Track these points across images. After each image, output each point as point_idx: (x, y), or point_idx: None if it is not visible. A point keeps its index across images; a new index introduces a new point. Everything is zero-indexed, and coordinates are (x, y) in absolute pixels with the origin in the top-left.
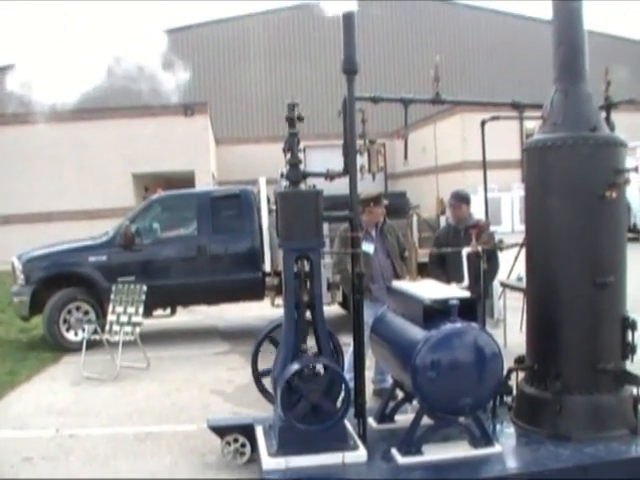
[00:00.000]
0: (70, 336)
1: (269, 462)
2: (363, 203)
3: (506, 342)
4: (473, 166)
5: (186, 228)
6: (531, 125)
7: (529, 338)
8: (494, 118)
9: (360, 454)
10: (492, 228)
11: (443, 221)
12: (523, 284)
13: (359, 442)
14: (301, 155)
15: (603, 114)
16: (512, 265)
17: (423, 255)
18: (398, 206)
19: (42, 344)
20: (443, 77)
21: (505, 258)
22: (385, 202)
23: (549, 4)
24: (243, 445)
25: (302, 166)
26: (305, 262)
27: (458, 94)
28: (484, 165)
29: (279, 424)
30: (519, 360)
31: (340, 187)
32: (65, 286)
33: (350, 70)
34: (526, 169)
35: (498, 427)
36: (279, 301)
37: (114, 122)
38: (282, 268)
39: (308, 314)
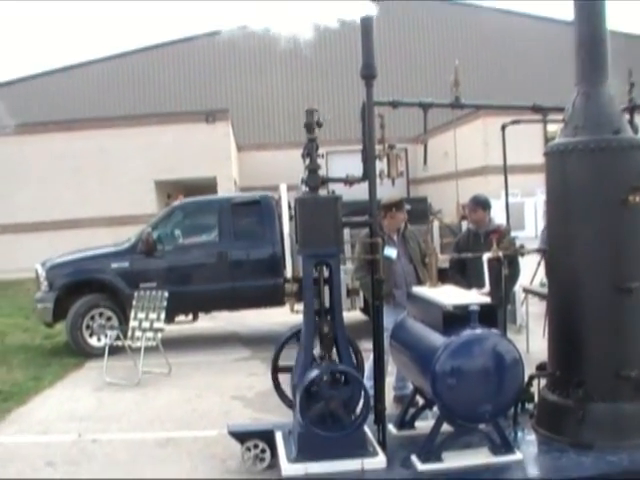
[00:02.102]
0: (93, 342)
1: (288, 468)
2: (385, 208)
3: (528, 348)
4: (495, 171)
5: (207, 234)
6: (554, 129)
7: (551, 344)
8: (514, 122)
9: (380, 460)
10: (515, 233)
11: (465, 226)
12: (546, 290)
13: (379, 448)
14: (322, 161)
15: (626, 116)
16: (535, 271)
17: (444, 261)
18: (419, 211)
19: (65, 350)
20: (463, 82)
21: (528, 264)
22: (407, 207)
23: (570, 5)
24: (263, 451)
25: (322, 172)
26: (324, 268)
27: (478, 99)
28: (505, 170)
29: (298, 430)
30: (541, 367)
31: (361, 193)
32: (88, 292)
33: (369, 75)
34: (547, 173)
35: (519, 434)
36: (298, 307)
37: (136, 130)
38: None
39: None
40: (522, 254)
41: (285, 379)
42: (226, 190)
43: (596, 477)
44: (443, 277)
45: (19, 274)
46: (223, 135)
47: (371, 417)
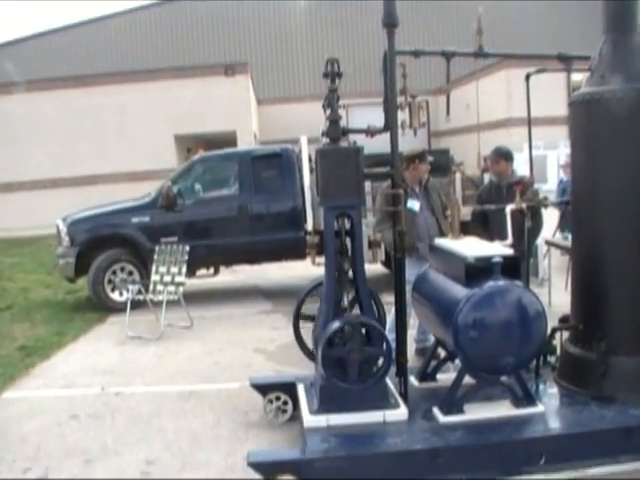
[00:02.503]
0: (115, 296)
1: (310, 420)
2: (407, 160)
3: (550, 302)
4: (518, 123)
5: (228, 188)
6: (578, 78)
7: (574, 297)
8: (539, 71)
9: (401, 412)
10: (538, 185)
11: (487, 179)
12: (569, 243)
13: (400, 401)
14: (342, 112)
15: None
16: (558, 224)
17: (466, 213)
18: (441, 164)
19: (88, 305)
20: (486, 30)
21: (550, 216)
22: (430, 159)
23: None
24: (285, 403)
25: (343, 123)
26: (346, 220)
27: (502, 48)
28: (529, 121)
29: (320, 382)
30: (563, 319)
31: (383, 145)
32: (109, 247)
33: (390, 24)
34: (571, 124)
35: (541, 387)
36: (320, 260)
37: (155, 84)
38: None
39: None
40: (545, 206)
41: (307, 332)
42: (246, 144)
43: (618, 430)
44: (465, 229)
45: (40, 230)
46: (243, 88)
47: (393, 370)
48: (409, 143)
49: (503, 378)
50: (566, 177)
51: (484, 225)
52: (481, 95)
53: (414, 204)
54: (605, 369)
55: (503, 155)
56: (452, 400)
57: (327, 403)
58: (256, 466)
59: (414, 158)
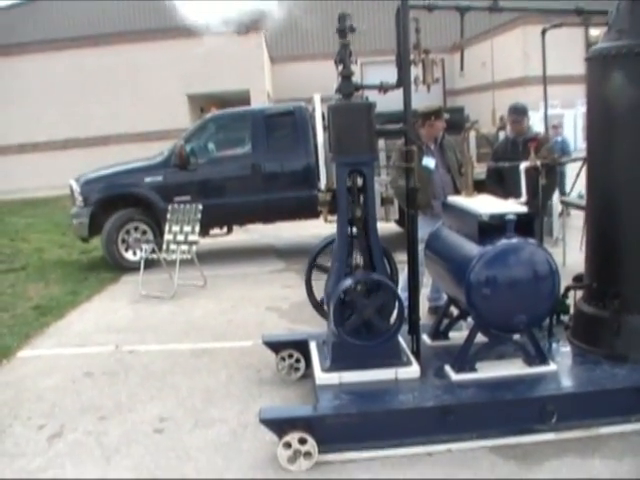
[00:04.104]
0: (129, 256)
1: (322, 377)
2: (423, 117)
3: (565, 261)
4: (534, 81)
5: (241, 147)
6: (595, 33)
7: (588, 256)
8: (556, 25)
9: (413, 370)
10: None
11: (502, 137)
12: (584, 202)
13: (412, 358)
14: (356, 69)
15: None
16: (574, 182)
17: (481, 171)
18: (456, 122)
19: (102, 264)
20: None
21: (567, 176)
22: (445, 116)
23: None
24: (297, 360)
25: (356, 79)
26: (358, 177)
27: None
28: (544, 77)
29: (332, 340)
30: (577, 278)
31: (396, 104)
32: (122, 207)
33: None
34: (588, 80)
35: (554, 346)
36: (332, 217)
37: (167, 43)
38: None
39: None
40: (561, 163)
41: (319, 288)
42: (260, 103)
43: (630, 389)
44: (480, 187)
45: (54, 191)
46: (255, 46)
47: (405, 327)
48: (423, 100)
49: (516, 336)
50: (560, 138)
51: (499, 182)
52: (497, 53)
53: (429, 162)
54: (618, 327)
55: (522, 112)
56: (464, 358)
57: (339, 361)
58: (268, 423)
59: (430, 115)
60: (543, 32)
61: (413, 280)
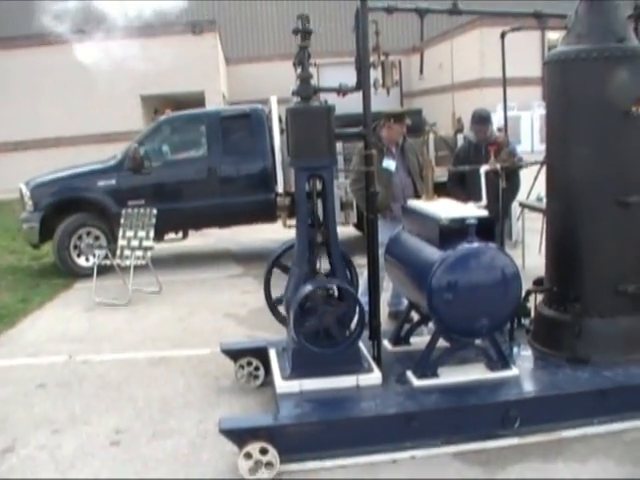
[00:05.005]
0: (81, 262)
1: (283, 385)
2: (386, 118)
3: (524, 264)
4: (491, 83)
5: (196, 149)
6: (554, 37)
7: (548, 259)
8: (515, 29)
9: (375, 376)
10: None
11: (460, 140)
12: (543, 204)
13: (374, 365)
14: (313, 71)
15: (632, 24)
16: (532, 185)
17: (440, 174)
18: (414, 124)
19: (53, 271)
20: None
21: (525, 178)
22: (408, 122)
23: None
24: (257, 368)
25: (314, 82)
26: (317, 181)
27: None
28: (504, 79)
29: (292, 347)
30: (538, 282)
31: (354, 106)
32: (74, 212)
33: None
34: (547, 84)
35: (515, 350)
36: (291, 222)
37: (121, 43)
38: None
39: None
40: (520, 166)
41: (279, 292)
42: (215, 104)
43: (592, 392)
44: (439, 191)
45: (3, 195)
46: (211, 47)
47: (366, 333)
48: (382, 103)
49: (477, 341)
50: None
51: (461, 186)
52: (455, 55)
53: (390, 164)
54: (579, 331)
55: (487, 121)
56: (426, 363)
57: (300, 368)
58: (228, 433)
59: (389, 117)
60: (502, 35)
61: (374, 285)
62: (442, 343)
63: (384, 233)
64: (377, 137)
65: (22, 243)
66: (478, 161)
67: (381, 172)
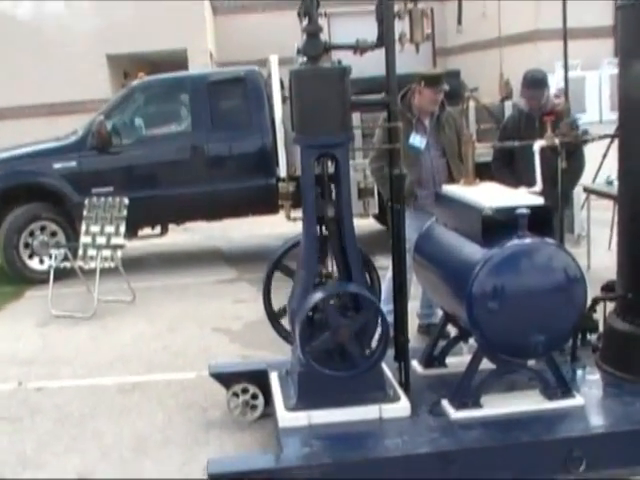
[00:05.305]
0: (34, 264)
1: (287, 417)
2: (418, 81)
3: (590, 264)
4: (548, 36)
5: (177, 123)
6: None
7: (621, 259)
8: None
9: (402, 407)
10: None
11: (508, 109)
12: (614, 189)
13: (400, 392)
14: (323, 22)
15: None
16: (599, 165)
17: (483, 152)
18: (450, 89)
19: None
20: None
21: (591, 155)
22: (445, 87)
23: None
24: (254, 397)
25: (324, 36)
26: (329, 162)
27: None
28: (564, 31)
29: (299, 369)
30: (607, 287)
31: (376, 68)
32: (25, 202)
33: None
34: (621, 34)
35: (579, 373)
36: (296, 214)
37: None
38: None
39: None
40: (585, 141)
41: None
42: (200, 66)
43: None
44: (482, 173)
45: None
46: None
47: (390, 352)
48: (410, 63)
49: (531, 362)
50: None
51: (509, 167)
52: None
53: (417, 140)
54: None
55: (542, 85)
56: (466, 391)
57: (308, 396)
58: (218, 478)
59: (420, 80)
60: None
61: (400, 292)
62: (486, 365)
63: (410, 226)
64: (406, 106)
65: None
66: (531, 135)
67: (407, 150)
